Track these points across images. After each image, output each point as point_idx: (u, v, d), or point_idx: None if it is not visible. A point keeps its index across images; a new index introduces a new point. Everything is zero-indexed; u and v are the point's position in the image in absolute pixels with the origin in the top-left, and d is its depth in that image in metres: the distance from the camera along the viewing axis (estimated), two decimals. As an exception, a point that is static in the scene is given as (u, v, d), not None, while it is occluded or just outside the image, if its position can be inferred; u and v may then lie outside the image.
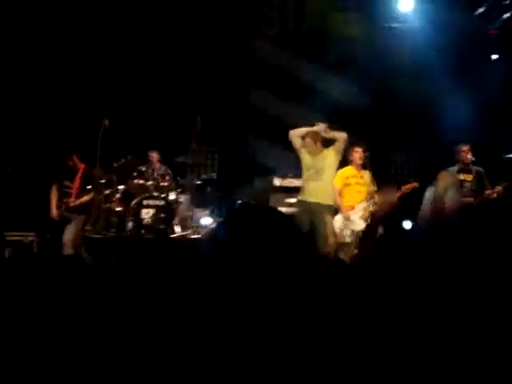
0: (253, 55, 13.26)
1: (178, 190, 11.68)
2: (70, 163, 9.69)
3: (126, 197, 11.57)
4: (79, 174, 9.71)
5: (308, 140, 9.24)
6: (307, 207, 9.10)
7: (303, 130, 9.29)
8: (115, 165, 11.63)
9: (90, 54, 12.61)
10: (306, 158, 9.30)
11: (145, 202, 11.10)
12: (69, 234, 9.38)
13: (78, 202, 9.57)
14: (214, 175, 12.66)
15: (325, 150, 9.29)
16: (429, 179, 6.92)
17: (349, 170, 9.97)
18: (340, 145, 9.20)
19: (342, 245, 9.65)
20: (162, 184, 11.43)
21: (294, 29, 13.38)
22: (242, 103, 13.29)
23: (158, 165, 11.80)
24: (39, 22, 12.21)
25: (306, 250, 2.06)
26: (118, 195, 11.65)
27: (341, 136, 9.21)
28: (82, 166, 9.77)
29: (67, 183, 9.67)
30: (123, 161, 11.70)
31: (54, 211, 9.54)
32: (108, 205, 11.61)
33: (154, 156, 11.81)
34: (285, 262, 1.92)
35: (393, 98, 13.02)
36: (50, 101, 12.51)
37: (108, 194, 11.68)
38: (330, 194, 9.32)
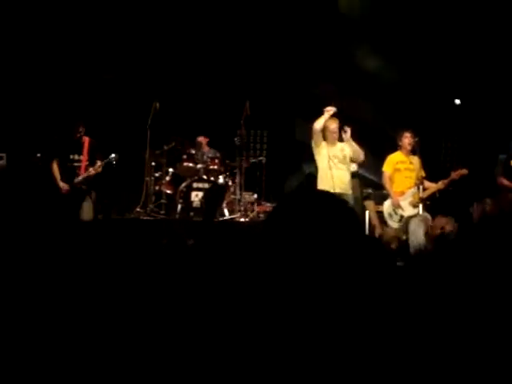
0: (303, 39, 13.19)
1: (227, 173, 11.73)
2: (78, 135, 9.66)
3: (176, 179, 11.65)
4: (86, 147, 9.71)
5: (334, 126, 9.36)
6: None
7: (321, 121, 9.32)
8: (165, 148, 11.72)
9: (142, 39, 12.69)
10: (324, 150, 9.37)
11: (194, 185, 11.18)
12: (87, 212, 9.47)
13: (86, 175, 9.59)
14: (263, 159, 12.63)
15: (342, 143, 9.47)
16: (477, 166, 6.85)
17: (398, 155, 9.89)
18: (356, 158, 9.52)
19: (390, 230, 9.65)
20: (211, 167, 11.48)
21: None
22: (291, 87, 13.24)
23: (207, 148, 11.86)
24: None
25: (365, 236, 2.07)
26: (167, 178, 11.75)
27: (359, 154, 9.47)
28: (87, 139, 9.76)
29: (75, 157, 9.69)
30: (173, 144, 11.79)
31: (62, 184, 9.49)
32: (157, 187, 11.72)
33: (202, 140, 11.87)
34: (344, 248, 1.92)
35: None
36: (103, 85, 12.63)
37: (158, 177, 11.79)
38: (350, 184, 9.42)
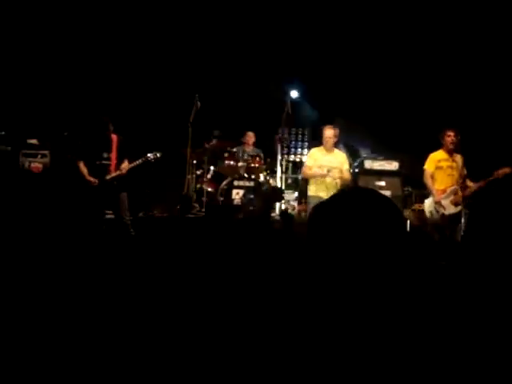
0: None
1: (268, 172, 11.75)
2: (106, 133, 9.64)
3: (217, 177, 11.72)
4: (115, 145, 9.69)
5: (329, 133, 9.95)
6: None
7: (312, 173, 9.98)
8: (206, 146, 11.78)
9: (185, 36, 12.76)
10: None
11: (235, 183, 11.24)
12: (124, 211, 9.51)
13: (116, 174, 9.55)
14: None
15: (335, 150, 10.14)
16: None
17: (440, 153, 9.82)
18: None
19: (432, 227, 9.59)
20: (252, 165, 11.51)
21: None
22: (330, 85, 13.23)
23: (250, 146, 11.90)
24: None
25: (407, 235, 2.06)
26: (208, 176, 11.81)
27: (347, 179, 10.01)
28: (115, 137, 9.72)
29: (105, 155, 9.66)
30: (214, 142, 11.85)
31: (90, 178, 9.46)
32: (199, 185, 11.78)
33: (251, 136, 11.92)
34: (388, 246, 1.93)
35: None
36: (144, 83, 12.74)
37: (199, 175, 11.85)
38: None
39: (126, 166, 9.60)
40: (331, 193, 9.20)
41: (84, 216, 9.43)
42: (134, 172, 9.87)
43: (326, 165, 9.84)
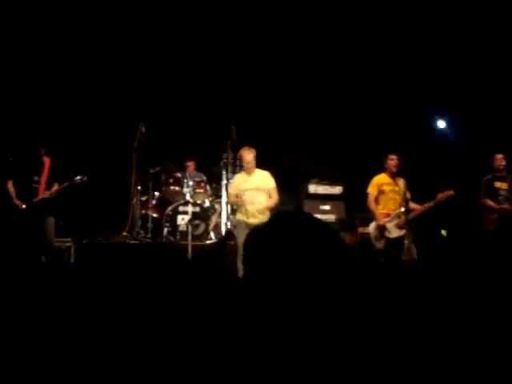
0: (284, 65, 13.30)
1: (213, 197, 11.73)
2: (39, 156, 9.57)
3: (162, 203, 11.65)
4: (46, 168, 9.59)
5: (250, 157, 9.85)
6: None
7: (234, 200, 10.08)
8: (151, 171, 11.72)
9: (128, 61, 12.72)
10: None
11: (180, 209, 11.18)
12: (50, 236, 9.40)
13: (41, 197, 9.40)
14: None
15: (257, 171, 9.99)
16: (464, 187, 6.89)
17: (383, 177, 9.92)
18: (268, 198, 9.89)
19: (376, 251, 9.66)
20: (197, 191, 11.48)
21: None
22: (276, 111, 13.29)
23: (193, 172, 11.87)
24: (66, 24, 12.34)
25: (348, 258, 2.07)
26: (153, 201, 11.74)
27: (270, 201, 9.81)
28: (48, 160, 9.64)
29: (35, 178, 9.53)
30: (159, 167, 11.80)
31: (18, 202, 9.35)
32: (144, 211, 11.71)
33: (190, 164, 11.89)
34: (328, 271, 1.93)
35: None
36: (89, 109, 12.61)
37: (144, 201, 11.78)
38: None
39: (52, 189, 9.49)
40: (257, 217, 9.30)
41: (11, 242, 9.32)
42: (77, 198, 9.78)
43: (245, 188, 9.75)
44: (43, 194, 9.45)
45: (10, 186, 9.47)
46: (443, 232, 11.32)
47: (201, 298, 2.47)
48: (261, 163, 12.64)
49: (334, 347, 1.88)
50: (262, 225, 2.13)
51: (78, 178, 9.65)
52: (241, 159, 9.99)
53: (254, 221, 9.34)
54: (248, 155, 9.82)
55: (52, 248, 9.43)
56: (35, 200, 9.39)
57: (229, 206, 11.46)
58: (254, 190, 9.72)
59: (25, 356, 2.19)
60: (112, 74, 12.68)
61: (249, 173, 9.88)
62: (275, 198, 9.84)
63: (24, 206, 9.32)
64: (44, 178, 9.54)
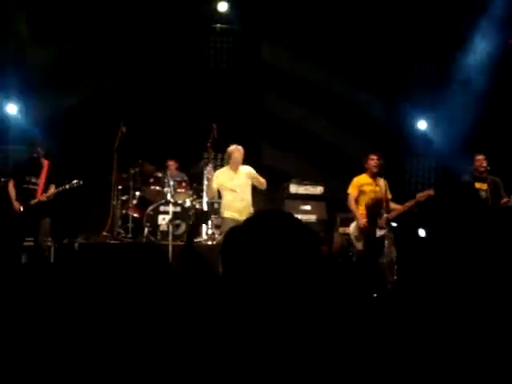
0: (266, 62, 13.33)
1: (195, 197, 11.71)
2: (35, 156, 9.61)
3: (143, 203, 11.62)
4: (45, 170, 9.62)
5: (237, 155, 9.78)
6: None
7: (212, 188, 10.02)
8: (132, 171, 11.68)
9: (108, 61, 12.69)
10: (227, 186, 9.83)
11: (161, 209, 11.16)
12: (43, 237, 9.45)
13: (38, 200, 9.44)
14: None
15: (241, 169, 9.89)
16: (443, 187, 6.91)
17: (363, 177, 9.96)
18: (258, 184, 9.89)
19: (357, 252, 9.69)
20: (178, 190, 11.46)
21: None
22: (257, 110, 13.31)
23: (175, 172, 11.85)
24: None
25: (323, 257, 2.08)
26: (134, 201, 11.71)
27: (262, 183, 9.87)
28: (46, 163, 9.68)
29: (32, 180, 9.58)
30: (140, 167, 11.76)
31: (16, 204, 9.38)
32: (124, 211, 11.67)
33: (172, 164, 11.86)
34: (302, 270, 1.94)
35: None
36: (69, 108, 12.55)
37: (125, 200, 11.74)
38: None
39: (49, 192, 9.49)
40: (246, 214, 9.28)
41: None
42: (58, 198, 9.74)
43: (233, 185, 9.72)
44: (41, 196, 9.46)
45: (12, 186, 9.50)
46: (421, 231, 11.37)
47: (183, 297, 2.47)
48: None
49: (313, 345, 1.89)
50: (239, 224, 2.14)
51: (75, 181, 9.66)
52: (228, 157, 9.86)
53: (243, 218, 9.28)
54: (240, 155, 9.77)
55: (42, 249, 9.43)
56: (33, 202, 9.39)
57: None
58: (243, 186, 9.72)
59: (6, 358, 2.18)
60: (94, 72, 12.63)
61: (234, 170, 9.83)
62: (262, 178, 9.90)
63: (21, 209, 9.32)
64: (42, 181, 9.54)
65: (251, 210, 9.59)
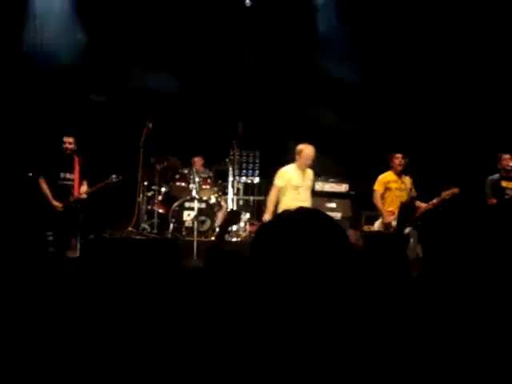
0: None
1: (220, 193, 11.73)
2: (67, 152, 9.56)
3: (168, 199, 11.65)
4: (77, 166, 9.64)
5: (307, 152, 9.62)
6: None
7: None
8: (158, 167, 11.72)
9: (135, 58, 12.75)
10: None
11: (186, 205, 11.19)
12: (78, 233, 9.43)
13: (77, 197, 9.49)
14: (257, 179, 12.75)
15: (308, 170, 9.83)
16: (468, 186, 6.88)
17: (389, 174, 9.96)
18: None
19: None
20: (203, 187, 11.49)
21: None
22: (284, 108, 13.29)
23: (200, 168, 11.87)
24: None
25: (352, 254, 2.08)
26: (159, 197, 11.74)
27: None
28: (78, 158, 9.71)
29: (67, 176, 9.60)
30: (165, 163, 11.79)
31: (56, 203, 9.36)
32: (150, 207, 11.72)
33: (197, 160, 11.89)
34: (334, 268, 1.94)
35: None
36: (96, 104, 12.63)
37: (150, 196, 11.79)
38: None
39: (86, 189, 9.49)
40: None
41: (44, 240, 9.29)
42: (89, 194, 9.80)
43: (299, 185, 9.65)
44: (79, 194, 9.47)
45: (44, 184, 9.46)
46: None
47: (204, 293, 2.49)
48: (267, 160, 12.68)
49: (337, 344, 1.90)
50: (269, 221, 2.15)
51: (114, 176, 9.68)
52: (298, 155, 9.65)
53: None
54: (311, 153, 9.63)
55: (72, 245, 9.44)
56: (72, 200, 9.40)
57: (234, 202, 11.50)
58: (306, 189, 9.71)
59: (29, 346, 2.22)
60: (120, 68, 12.69)
61: (303, 169, 9.72)
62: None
63: (61, 207, 9.33)
64: (77, 176, 9.53)
65: None
